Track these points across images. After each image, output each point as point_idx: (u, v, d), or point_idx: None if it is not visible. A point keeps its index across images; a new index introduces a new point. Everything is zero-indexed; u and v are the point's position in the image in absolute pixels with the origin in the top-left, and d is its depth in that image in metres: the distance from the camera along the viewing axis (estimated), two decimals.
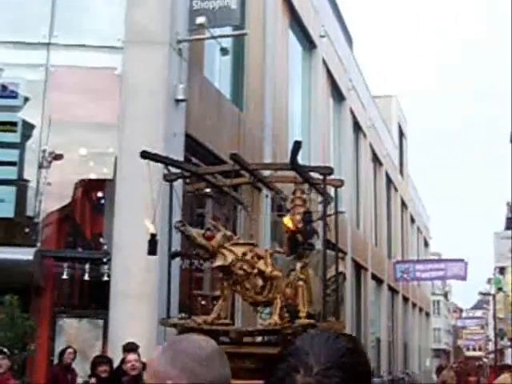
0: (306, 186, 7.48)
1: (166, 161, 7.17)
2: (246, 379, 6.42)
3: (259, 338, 7.32)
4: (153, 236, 6.60)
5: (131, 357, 10.05)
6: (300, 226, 7.08)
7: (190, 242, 6.53)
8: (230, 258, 6.50)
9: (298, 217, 7.21)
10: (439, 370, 21.40)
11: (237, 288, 6.82)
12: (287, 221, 7.38)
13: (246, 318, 15.88)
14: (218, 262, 6.49)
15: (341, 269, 7.53)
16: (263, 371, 6.40)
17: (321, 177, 7.23)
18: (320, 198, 7.78)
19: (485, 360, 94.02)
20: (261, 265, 6.66)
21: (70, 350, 13.18)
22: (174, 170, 7.18)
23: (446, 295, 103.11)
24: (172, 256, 12.63)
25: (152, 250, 6.66)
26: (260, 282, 6.74)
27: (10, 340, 11.31)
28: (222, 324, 6.69)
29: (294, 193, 7.52)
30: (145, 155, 6.76)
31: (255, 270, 6.58)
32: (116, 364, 11.25)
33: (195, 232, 6.49)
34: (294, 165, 6.72)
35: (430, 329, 77.36)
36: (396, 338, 49.57)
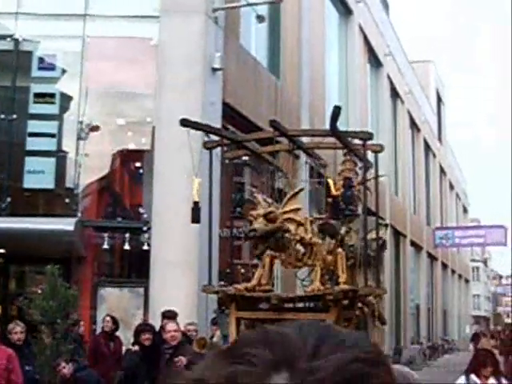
0: (354, 158, 7.40)
1: (205, 128, 7.15)
2: None
3: (300, 305, 7.31)
4: (196, 204, 6.57)
5: (171, 327, 10.07)
6: (341, 191, 7.04)
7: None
8: (293, 227, 6.48)
9: (340, 183, 7.16)
10: (475, 337, 20.36)
11: (279, 254, 6.78)
12: (331, 182, 7.27)
13: (285, 285, 15.92)
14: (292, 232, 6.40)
15: (381, 235, 7.48)
16: None
17: (360, 142, 7.15)
18: (360, 164, 7.72)
19: None
20: (301, 232, 6.64)
21: (106, 318, 13.28)
22: (213, 137, 7.17)
23: (485, 262, 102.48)
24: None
25: (195, 218, 6.64)
26: (301, 249, 6.72)
27: (53, 309, 11.41)
28: (263, 290, 6.68)
29: (343, 163, 7.44)
30: (185, 123, 6.74)
31: (297, 237, 6.56)
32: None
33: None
34: (333, 130, 6.65)
35: (470, 295, 77.04)
36: (435, 305, 49.46)
